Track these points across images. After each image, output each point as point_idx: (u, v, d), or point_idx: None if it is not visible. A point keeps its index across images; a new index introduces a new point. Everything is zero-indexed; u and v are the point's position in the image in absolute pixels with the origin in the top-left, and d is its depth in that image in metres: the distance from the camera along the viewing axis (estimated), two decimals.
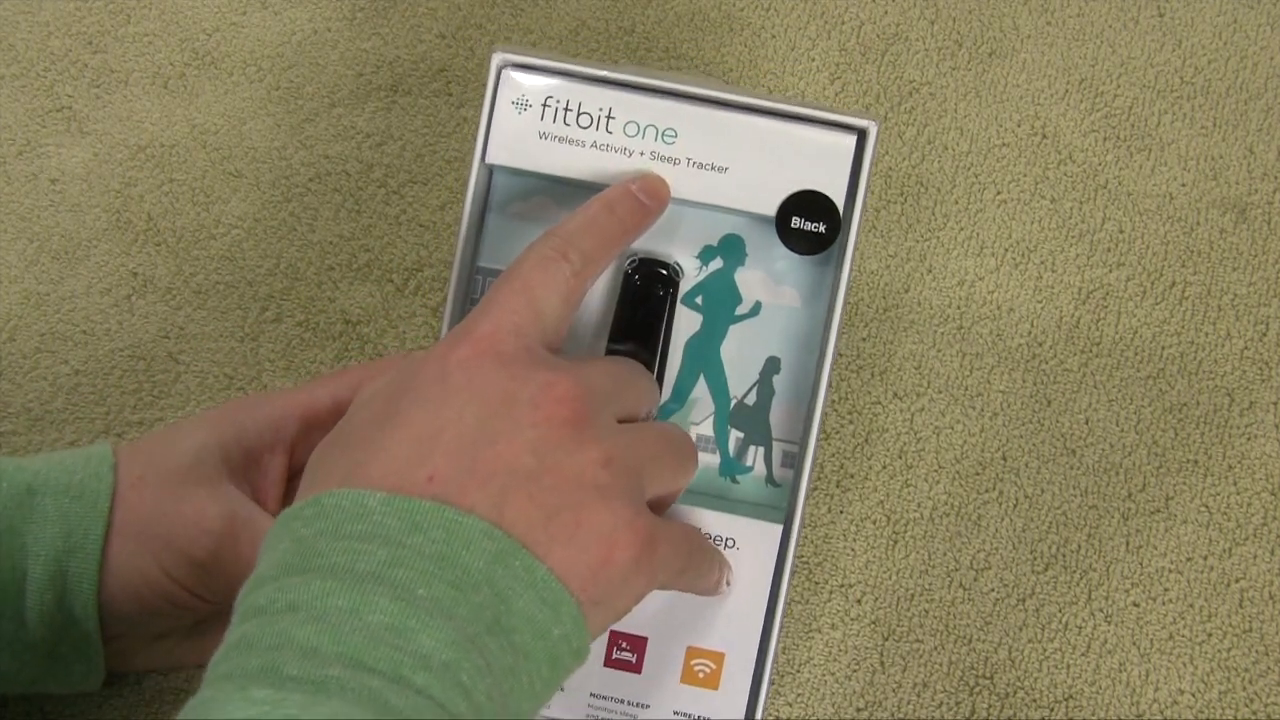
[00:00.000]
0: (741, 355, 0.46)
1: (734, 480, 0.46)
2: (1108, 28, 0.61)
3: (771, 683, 0.45)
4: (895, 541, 0.54)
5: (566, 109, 0.44)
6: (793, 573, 0.45)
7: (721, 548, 0.44)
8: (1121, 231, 0.58)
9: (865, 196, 0.44)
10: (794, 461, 0.45)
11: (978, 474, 0.55)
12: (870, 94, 0.60)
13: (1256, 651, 0.53)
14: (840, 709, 0.52)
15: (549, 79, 0.44)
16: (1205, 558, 0.54)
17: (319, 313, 0.57)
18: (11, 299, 0.57)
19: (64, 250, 0.58)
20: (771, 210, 0.44)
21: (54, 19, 0.61)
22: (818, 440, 0.44)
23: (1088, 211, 0.58)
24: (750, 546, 0.44)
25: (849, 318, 0.57)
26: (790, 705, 0.52)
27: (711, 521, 0.44)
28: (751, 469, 0.46)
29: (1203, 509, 0.55)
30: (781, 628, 0.44)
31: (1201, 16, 0.61)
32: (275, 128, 0.60)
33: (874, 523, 0.55)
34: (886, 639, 0.53)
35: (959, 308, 0.57)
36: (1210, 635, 0.53)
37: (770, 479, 0.46)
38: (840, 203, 0.44)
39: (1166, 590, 0.54)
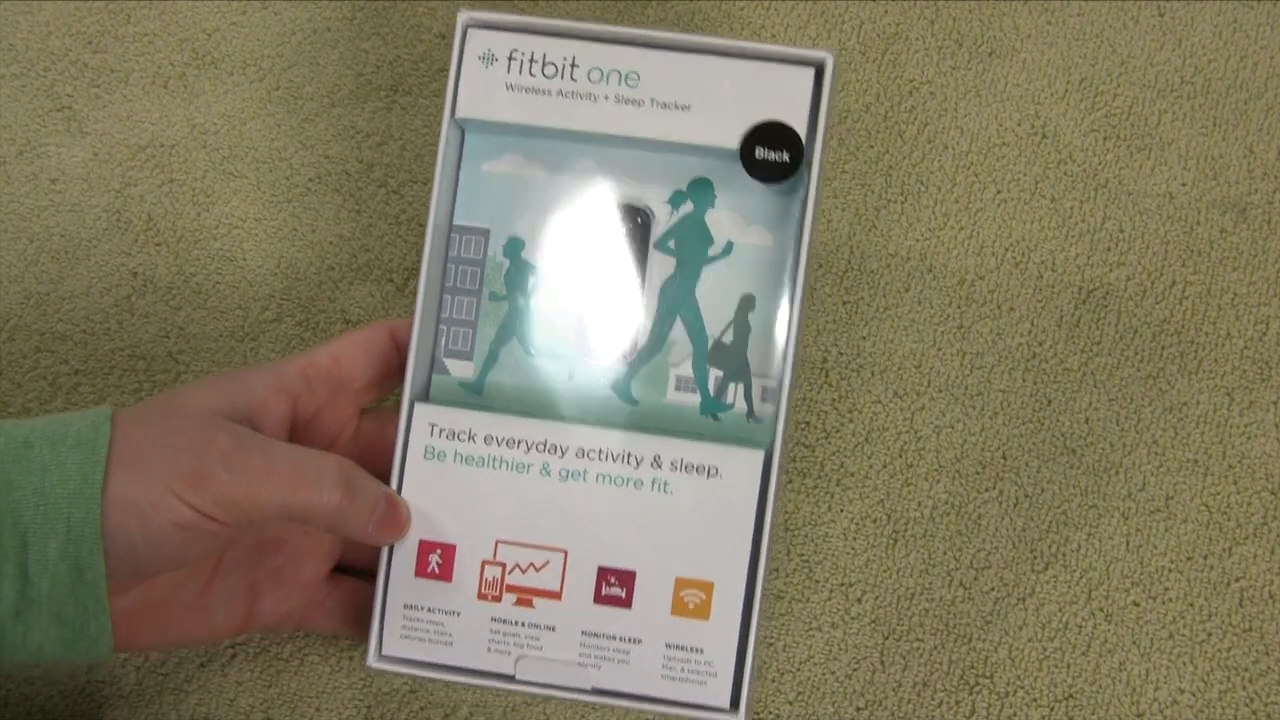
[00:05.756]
0: (716, 295, 0.47)
1: (715, 418, 0.47)
2: (1108, 28, 0.61)
3: (762, 617, 0.45)
4: (895, 540, 0.54)
5: (531, 60, 0.46)
6: (778, 495, 0.45)
7: (704, 477, 0.45)
8: (1121, 231, 0.58)
9: (827, 126, 0.45)
10: (773, 396, 0.46)
11: (978, 473, 0.55)
12: (870, 93, 0.60)
13: (1256, 651, 0.53)
14: (840, 708, 0.52)
15: (513, 33, 0.46)
16: (1205, 557, 0.54)
17: (319, 313, 0.57)
18: (11, 299, 0.57)
19: (64, 250, 0.58)
20: (735, 143, 0.46)
21: (54, 19, 0.61)
22: (794, 370, 0.45)
23: (1088, 211, 0.58)
24: (734, 473, 0.45)
25: (849, 316, 0.57)
26: (790, 704, 0.52)
27: (694, 451, 0.45)
28: (732, 406, 0.47)
29: (1203, 509, 0.55)
30: (769, 553, 0.45)
31: (1201, 16, 0.61)
32: (275, 128, 0.60)
33: (874, 522, 0.55)
34: (886, 638, 0.53)
35: (959, 307, 0.57)
36: (1210, 635, 0.53)
37: (751, 414, 0.47)
38: (803, 132, 0.45)
39: (1166, 590, 0.54)
